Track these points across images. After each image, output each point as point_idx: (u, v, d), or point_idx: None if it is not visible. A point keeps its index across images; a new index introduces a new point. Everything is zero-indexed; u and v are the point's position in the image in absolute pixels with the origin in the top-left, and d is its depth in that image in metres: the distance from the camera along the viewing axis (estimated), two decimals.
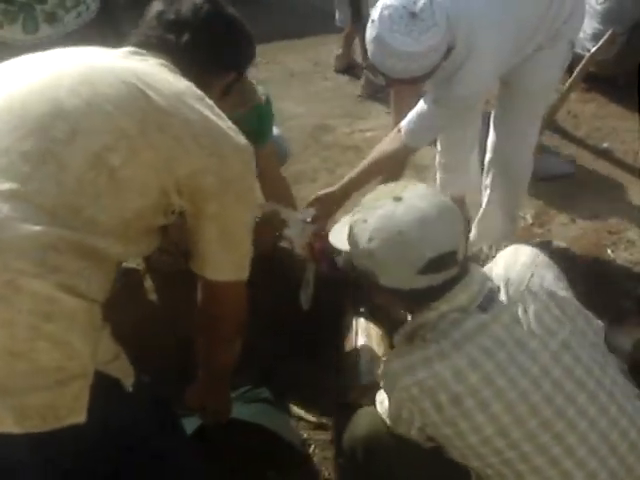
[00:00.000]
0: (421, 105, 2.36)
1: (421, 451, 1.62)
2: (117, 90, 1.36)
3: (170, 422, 1.56)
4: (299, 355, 2.44)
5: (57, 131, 1.29)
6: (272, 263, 2.58)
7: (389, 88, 2.85)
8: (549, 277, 1.58)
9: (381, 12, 2.04)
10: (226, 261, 1.53)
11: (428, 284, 1.47)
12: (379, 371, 1.61)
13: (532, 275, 1.55)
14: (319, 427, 2.28)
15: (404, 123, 2.40)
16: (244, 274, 1.57)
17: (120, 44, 1.56)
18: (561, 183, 3.47)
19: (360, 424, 1.77)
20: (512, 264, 1.59)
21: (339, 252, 2.46)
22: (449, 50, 2.12)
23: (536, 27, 2.34)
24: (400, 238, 1.46)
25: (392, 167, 2.55)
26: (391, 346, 2.23)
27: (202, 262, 1.52)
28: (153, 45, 1.53)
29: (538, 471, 1.46)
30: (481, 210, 2.90)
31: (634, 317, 2.45)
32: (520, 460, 1.45)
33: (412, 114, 2.39)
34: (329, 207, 2.51)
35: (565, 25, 2.43)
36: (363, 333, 2.37)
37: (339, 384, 2.29)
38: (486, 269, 1.60)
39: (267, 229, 2.44)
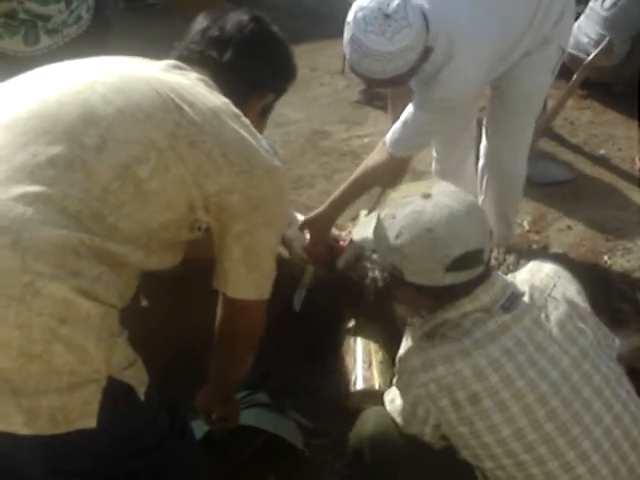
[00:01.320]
0: (405, 114, 2.38)
1: (428, 452, 1.63)
2: (151, 101, 1.35)
3: (179, 428, 1.55)
4: (296, 359, 2.44)
5: (87, 138, 1.28)
6: None
7: (371, 89, 2.83)
8: (571, 289, 1.61)
9: (355, 14, 2.07)
10: (248, 280, 1.51)
11: (454, 281, 1.49)
12: (395, 367, 1.62)
13: (555, 285, 1.58)
14: (316, 432, 2.28)
15: (388, 135, 2.42)
16: (266, 294, 1.56)
17: (110, 53, 1.55)
18: (558, 189, 3.49)
19: (367, 424, 1.78)
20: (536, 272, 1.62)
21: (338, 255, 2.49)
22: (428, 51, 2.14)
23: (522, 33, 2.36)
24: (429, 235, 1.47)
25: (384, 179, 2.55)
26: (389, 352, 2.26)
27: (224, 279, 1.51)
28: (195, 60, 1.53)
29: (551, 476, 1.47)
30: None
31: (632, 323, 2.45)
32: (534, 463, 1.47)
33: (396, 125, 2.41)
34: (321, 229, 2.52)
35: (553, 30, 2.44)
36: (362, 336, 2.37)
37: (337, 389, 2.30)
38: (509, 276, 1.63)
39: None
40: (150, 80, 1.40)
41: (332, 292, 2.51)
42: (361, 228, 1.84)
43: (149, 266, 1.38)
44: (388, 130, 2.48)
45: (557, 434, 1.46)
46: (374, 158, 2.48)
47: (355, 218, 2.82)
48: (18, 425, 1.18)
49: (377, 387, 2.20)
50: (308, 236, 2.50)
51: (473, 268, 1.50)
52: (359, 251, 2.28)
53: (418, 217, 1.49)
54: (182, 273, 2.41)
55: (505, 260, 2.57)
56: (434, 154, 2.98)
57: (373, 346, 2.33)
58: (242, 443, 2.07)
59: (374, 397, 2.12)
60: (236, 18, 1.58)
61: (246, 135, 1.43)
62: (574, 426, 1.46)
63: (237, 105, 1.48)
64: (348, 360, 2.33)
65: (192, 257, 1.66)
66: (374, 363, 2.27)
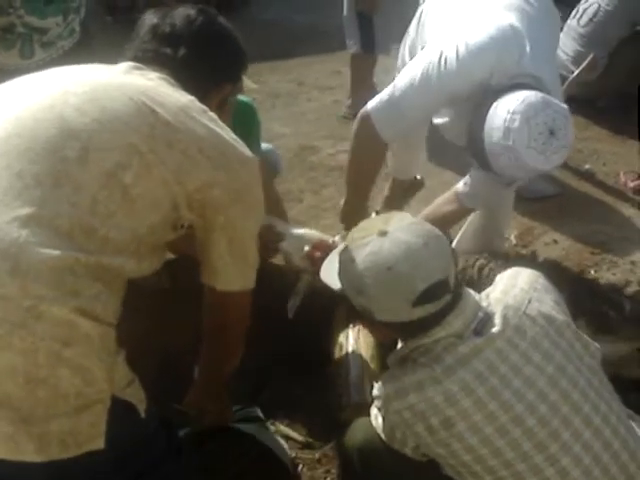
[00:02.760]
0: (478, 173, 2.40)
1: (414, 464, 1.64)
2: (125, 107, 1.37)
3: (176, 446, 1.56)
4: (288, 372, 2.45)
5: (69, 151, 1.29)
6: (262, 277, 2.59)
7: None
8: (548, 301, 1.61)
9: (521, 122, 2.00)
10: (236, 272, 1.55)
11: (422, 314, 1.50)
12: (374, 391, 1.62)
13: (530, 300, 1.58)
14: (307, 446, 2.28)
15: (461, 188, 2.45)
16: (251, 283, 1.60)
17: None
18: (544, 204, 3.51)
19: (356, 434, 1.80)
20: (510, 288, 1.62)
21: None
22: None
23: None
24: (390, 274, 1.49)
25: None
26: (382, 364, 2.26)
27: (213, 273, 1.54)
28: (150, 59, 1.54)
29: None
30: (462, 228, 2.93)
31: (619, 330, 2.49)
32: (514, 479, 1.48)
33: (469, 180, 2.43)
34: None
35: None
36: (352, 348, 2.37)
37: (329, 402, 2.30)
38: (483, 294, 1.62)
39: (261, 242, 2.46)
40: (119, 86, 1.42)
41: (324, 304, 2.52)
42: (327, 266, 1.86)
43: (141, 273, 1.39)
44: None
45: (535, 452, 1.47)
46: (444, 205, 2.57)
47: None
48: (29, 453, 1.18)
49: (369, 400, 2.20)
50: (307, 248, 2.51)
51: (440, 299, 1.51)
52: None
53: (376, 258, 1.51)
54: (168, 286, 2.43)
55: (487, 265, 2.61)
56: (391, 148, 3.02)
57: (366, 360, 2.33)
58: (237, 454, 2.07)
59: (366, 410, 2.13)
60: (184, 13, 1.60)
61: (217, 129, 1.46)
62: (552, 443, 1.48)
63: (199, 100, 1.50)
64: (340, 373, 2.32)
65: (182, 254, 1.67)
66: (366, 377, 2.27)
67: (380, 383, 1.59)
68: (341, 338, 2.43)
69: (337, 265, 1.65)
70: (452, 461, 1.52)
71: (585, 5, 4.21)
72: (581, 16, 4.20)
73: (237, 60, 1.70)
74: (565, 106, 2.08)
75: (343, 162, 3.93)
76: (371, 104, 2.37)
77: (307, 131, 4.35)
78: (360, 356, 2.35)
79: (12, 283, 1.17)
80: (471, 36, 2.17)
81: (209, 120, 1.47)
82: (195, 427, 1.95)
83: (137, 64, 1.52)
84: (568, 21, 4.29)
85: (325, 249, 2.57)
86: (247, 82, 2.54)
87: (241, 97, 2.39)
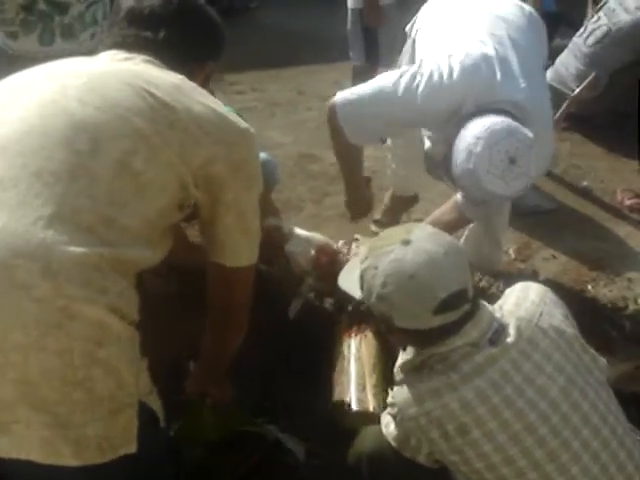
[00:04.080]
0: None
1: (424, 473, 1.66)
2: (124, 92, 1.37)
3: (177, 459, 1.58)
4: (289, 380, 2.45)
5: (80, 144, 1.29)
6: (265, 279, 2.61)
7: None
8: (558, 315, 1.65)
9: (483, 147, 2.07)
10: (244, 247, 1.56)
11: (442, 323, 1.54)
12: (388, 399, 1.64)
13: (541, 313, 1.62)
14: (309, 453, 2.29)
15: (460, 198, 2.49)
16: (255, 257, 1.61)
17: None
18: (542, 219, 3.55)
19: (365, 443, 1.82)
20: (522, 301, 1.66)
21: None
22: None
23: None
24: (412, 282, 1.52)
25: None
26: (384, 373, 2.29)
27: (221, 251, 1.55)
28: (130, 44, 1.54)
29: None
30: (461, 241, 2.97)
31: (619, 349, 2.52)
32: None
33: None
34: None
35: None
36: (354, 358, 2.37)
37: (331, 410, 2.32)
38: (496, 306, 1.66)
39: (269, 243, 2.48)
40: (113, 73, 1.43)
41: (326, 310, 2.55)
42: (346, 274, 1.88)
43: (154, 261, 1.39)
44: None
45: (546, 460, 1.51)
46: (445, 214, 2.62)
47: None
48: (67, 457, 1.18)
49: (371, 409, 2.22)
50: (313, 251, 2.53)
51: (459, 308, 1.55)
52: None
53: (399, 265, 1.54)
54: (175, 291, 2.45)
55: (494, 284, 2.64)
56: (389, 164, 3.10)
57: (367, 368, 2.34)
58: (243, 453, 2.09)
59: (368, 419, 2.15)
60: None
61: (211, 104, 1.47)
62: (563, 453, 1.51)
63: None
64: (342, 381, 2.33)
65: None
66: (368, 385, 2.27)
67: (395, 390, 1.62)
68: (343, 347, 2.43)
69: (356, 273, 1.68)
70: (464, 468, 1.55)
71: (594, 25, 4.24)
72: (588, 36, 4.23)
73: (216, 37, 1.70)
74: (530, 135, 2.11)
75: None
76: (338, 95, 2.41)
77: (307, 140, 4.37)
78: (362, 365, 2.36)
79: (44, 284, 1.17)
80: (445, 65, 2.23)
81: (201, 96, 1.48)
82: (194, 412, 1.96)
83: (119, 50, 1.53)
84: (574, 38, 4.33)
85: (330, 254, 2.61)
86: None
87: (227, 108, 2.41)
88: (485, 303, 1.65)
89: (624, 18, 4.11)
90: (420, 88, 2.23)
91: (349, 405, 2.25)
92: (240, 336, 1.75)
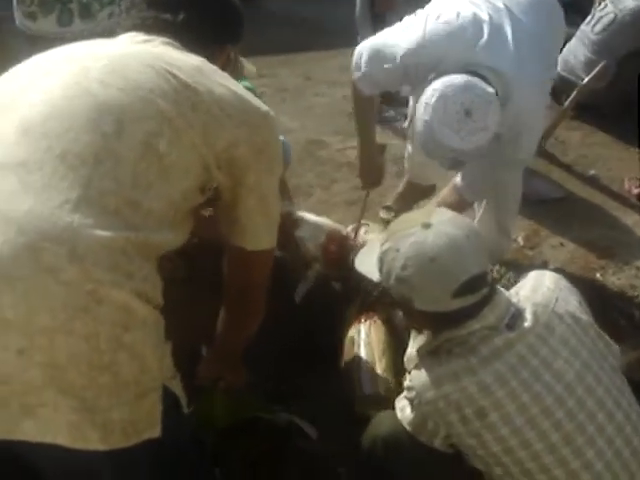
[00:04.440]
0: (479, 169, 2.45)
1: (438, 457, 1.67)
2: (146, 74, 1.35)
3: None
4: (299, 365, 2.46)
5: (105, 126, 1.27)
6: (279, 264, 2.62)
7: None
8: (573, 302, 1.67)
9: (438, 99, 2.05)
10: (264, 230, 1.55)
11: (461, 306, 1.54)
12: (405, 382, 1.65)
13: (557, 299, 1.63)
14: (320, 437, 2.30)
15: (458, 181, 2.51)
16: (275, 241, 1.60)
17: None
18: (550, 207, 3.57)
19: (380, 425, 1.82)
20: (538, 287, 1.67)
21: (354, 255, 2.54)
22: (495, 139, 2.18)
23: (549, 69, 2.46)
24: (433, 264, 1.53)
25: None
26: (394, 358, 2.30)
27: (242, 234, 1.53)
28: (149, 26, 1.52)
29: None
30: None
31: (628, 338, 2.53)
32: (539, 470, 1.53)
33: (470, 175, 2.48)
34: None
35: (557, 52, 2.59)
36: (364, 343, 2.40)
37: (341, 395, 2.33)
38: (512, 292, 1.68)
39: (281, 229, 2.48)
40: (134, 55, 1.41)
41: (336, 295, 2.56)
42: (363, 257, 1.89)
43: (175, 244, 1.38)
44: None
45: (562, 444, 1.52)
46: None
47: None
48: (94, 442, 1.17)
49: (382, 393, 2.24)
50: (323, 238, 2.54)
51: (479, 291, 1.56)
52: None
53: (421, 248, 1.55)
54: (184, 275, 2.45)
55: (505, 275, 2.65)
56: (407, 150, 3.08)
57: (377, 353, 2.36)
58: (254, 439, 2.10)
59: (378, 403, 2.17)
60: None
61: (232, 87, 1.45)
62: (579, 436, 1.52)
63: None
64: (352, 366, 2.36)
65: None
66: (378, 369, 2.30)
67: (413, 373, 1.63)
68: (353, 332, 2.46)
69: (374, 256, 1.69)
70: (481, 452, 1.56)
71: (601, 13, 4.23)
72: (595, 24, 4.22)
73: (234, 20, 1.69)
74: (490, 90, 2.08)
75: (353, 158, 3.98)
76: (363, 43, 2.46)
77: (315, 126, 4.38)
78: (372, 350, 2.38)
79: (71, 268, 1.15)
80: (432, 21, 2.23)
81: (223, 78, 1.46)
82: (207, 398, 1.97)
83: (137, 33, 1.51)
84: (582, 26, 4.32)
85: (339, 241, 2.61)
86: (248, 65, 2.57)
87: (244, 82, 2.37)
88: (501, 289, 1.66)
89: (630, 4, 4.11)
90: (410, 41, 2.24)
91: (360, 389, 2.27)
92: (257, 320, 1.74)
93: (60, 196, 1.19)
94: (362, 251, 1.96)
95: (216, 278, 1.77)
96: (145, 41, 1.47)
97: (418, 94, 2.26)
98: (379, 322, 2.45)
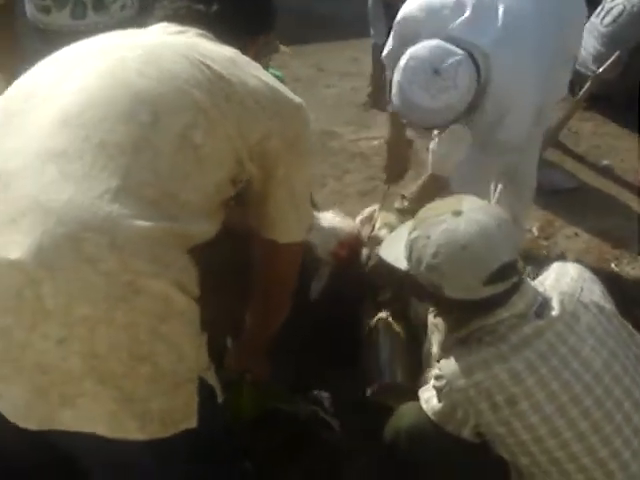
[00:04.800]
0: (468, 158, 2.44)
1: (463, 447, 1.67)
2: (181, 64, 1.35)
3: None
4: (318, 355, 2.47)
5: (142, 115, 1.27)
6: None
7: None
8: (597, 291, 1.68)
9: (407, 61, 2.11)
10: (295, 222, 1.55)
11: (492, 293, 1.56)
12: (434, 371, 1.66)
13: (582, 289, 1.64)
14: (338, 427, 2.31)
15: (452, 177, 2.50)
16: (305, 234, 1.61)
17: None
18: (564, 197, 3.57)
19: (404, 416, 1.83)
20: (562, 277, 1.68)
21: (365, 261, 2.54)
22: (471, 108, 2.19)
23: (554, 66, 2.43)
24: (465, 252, 1.54)
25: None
26: (410, 348, 2.31)
27: (272, 227, 1.53)
28: (182, 17, 1.52)
29: (584, 470, 1.55)
30: None
31: None
32: (568, 459, 1.54)
33: (460, 167, 2.47)
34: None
35: (570, 41, 2.54)
36: (382, 335, 2.40)
37: (360, 385, 2.34)
38: (537, 282, 1.69)
39: None
40: (168, 45, 1.41)
41: (355, 288, 2.56)
42: (388, 246, 1.89)
43: (209, 236, 1.37)
44: None
45: (591, 432, 1.53)
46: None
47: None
48: (133, 432, 1.18)
49: (400, 384, 2.24)
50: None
51: (509, 279, 1.57)
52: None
53: (452, 235, 1.56)
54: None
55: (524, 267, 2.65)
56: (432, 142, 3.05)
57: (396, 343, 2.37)
58: (275, 431, 2.12)
59: (398, 394, 2.18)
60: None
61: (265, 79, 1.45)
62: (607, 424, 1.54)
63: None
64: (371, 356, 2.36)
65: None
66: (397, 358, 2.31)
67: (442, 363, 1.64)
68: (370, 323, 2.45)
69: (399, 245, 1.70)
70: (510, 440, 1.57)
71: (611, 5, 4.21)
72: (605, 16, 4.21)
73: (267, 11, 1.68)
74: (460, 51, 2.10)
75: (365, 149, 4.01)
76: None
77: (327, 117, 4.37)
78: (390, 339, 2.39)
79: (111, 258, 1.15)
80: None
81: (256, 70, 1.46)
82: (234, 390, 1.98)
83: (171, 23, 1.51)
84: (592, 18, 4.30)
85: (352, 247, 2.61)
86: (281, 46, 2.58)
87: (273, 70, 2.41)
88: (527, 278, 1.67)
89: None
90: (402, 14, 2.37)
91: (379, 380, 2.28)
92: (285, 312, 1.75)
93: (100, 186, 1.19)
94: (387, 239, 1.96)
95: (237, 268, 1.78)
96: (178, 32, 1.47)
97: None
98: (397, 313, 2.46)
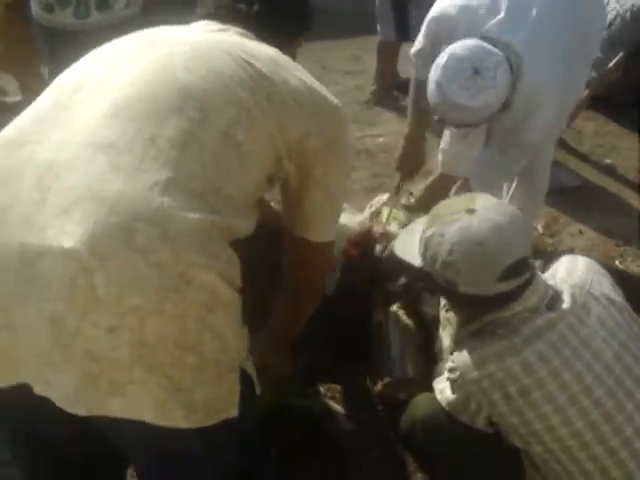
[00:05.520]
0: (485, 159, 2.48)
1: (476, 437, 1.71)
2: (225, 61, 1.36)
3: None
4: (330, 349, 2.49)
5: (190, 111, 1.28)
6: None
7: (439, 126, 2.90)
8: (606, 284, 1.72)
9: (447, 60, 2.12)
10: (329, 222, 1.57)
11: (505, 289, 1.59)
12: (448, 363, 1.69)
13: (592, 281, 1.68)
14: (350, 420, 2.33)
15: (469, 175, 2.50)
16: (334, 234, 1.63)
17: None
18: (568, 196, 3.60)
19: (419, 408, 1.86)
20: (573, 270, 1.72)
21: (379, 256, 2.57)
22: (504, 106, 2.22)
23: (578, 58, 2.46)
24: (479, 249, 1.57)
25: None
26: (420, 343, 2.34)
27: (306, 226, 1.54)
28: (223, 16, 1.53)
29: (595, 459, 1.57)
30: None
31: None
32: (580, 448, 1.57)
33: (476, 166, 2.49)
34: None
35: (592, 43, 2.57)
36: (392, 328, 2.43)
37: (371, 378, 2.37)
38: (547, 275, 1.72)
39: None
40: (213, 42, 1.42)
41: (365, 284, 2.58)
42: (402, 243, 1.91)
43: (248, 233, 1.38)
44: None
45: (602, 421, 1.56)
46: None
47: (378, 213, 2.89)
48: (178, 420, 1.19)
49: (411, 377, 2.27)
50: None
51: (522, 275, 1.61)
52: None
53: (466, 233, 1.59)
54: None
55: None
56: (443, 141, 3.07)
57: (406, 336, 2.39)
58: (289, 427, 2.14)
59: (408, 386, 2.21)
60: None
61: (305, 79, 1.46)
62: (618, 414, 1.57)
63: None
64: (381, 351, 2.39)
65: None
66: (407, 353, 2.33)
67: (455, 355, 1.67)
68: (380, 317, 2.49)
69: (414, 242, 1.73)
70: (523, 430, 1.60)
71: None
72: None
73: (306, 14, 1.71)
74: (498, 52, 2.14)
75: (370, 146, 4.03)
76: None
77: None
78: (400, 334, 2.41)
79: (163, 249, 1.16)
80: None
81: (296, 70, 1.46)
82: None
83: (212, 21, 1.52)
84: None
85: (363, 245, 2.63)
86: None
87: None
88: (539, 272, 1.70)
89: (630, 1, 4.16)
90: (432, 12, 2.39)
91: (389, 374, 2.30)
92: (313, 308, 1.77)
93: (150, 178, 1.20)
94: (401, 236, 1.99)
95: (270, 265, 1.79)
96: (220, 30, 1.50)
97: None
98: (406, 307, 2.49)
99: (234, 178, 1.31)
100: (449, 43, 2.20)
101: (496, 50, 2.13)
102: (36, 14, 2.54)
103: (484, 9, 2.27)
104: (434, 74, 2.16)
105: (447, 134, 3.01)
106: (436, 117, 2.33)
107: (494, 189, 2.58)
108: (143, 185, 1.19)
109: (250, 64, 1.37)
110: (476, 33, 2.21)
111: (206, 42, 1.42)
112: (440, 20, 2.38)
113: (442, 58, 2.14)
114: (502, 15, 2.24)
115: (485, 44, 2.14)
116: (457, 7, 2.31)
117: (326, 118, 1.46)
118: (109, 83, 1.33)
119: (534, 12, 2.27)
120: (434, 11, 2.40)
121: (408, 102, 2.77)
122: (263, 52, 1.44)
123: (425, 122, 2.70)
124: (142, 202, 1.17)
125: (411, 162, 2.81)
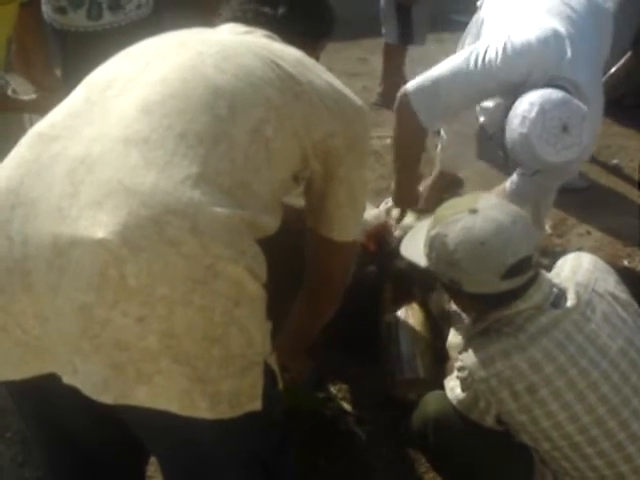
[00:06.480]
0: (527, 180, 2.52)
1: (487, 434, 1.72)
2: (254, 62, 1.39)
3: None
4: (340, 349, 2.50)
5: (220, 109, 1.31)
6: None
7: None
8: (611, 281, 1.73)
9: (537, 113, 2.11)
10: (352, 221, 1.58)
11: (509, 287, 1.60)
12: (457, 363, 1.70)
13: (596, 279, 1.69)
14: (361, 420, 2.34)
15: (508, 187, 2.57)
16: (359, 233, 1.66)
17: None
18: (575, 196, 3.60)
19: (430, 406, 1.88)
20: (577, 268, 1.73)
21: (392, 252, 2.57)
22: None
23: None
24: (483, 248, 1.59)
25: None
26: (430, 342, 2.34)
27: (330, 225, 1.57)
28: (250, 19, 1.57)
29: (603, 455, 1.59)
30: None
31: None
32: (587, 444, 1.58)
33: (515, 179, 2.55)
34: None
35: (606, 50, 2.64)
36: (402, 327, 2.43)
37: (381, 378, 2.37)
38: (553, 273, 1.74)
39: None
40: (242, 43, 1.45)
41: (375, 280, 2.59)
42: (408, 243, 1.93)
43: (274, 229, 1.39)
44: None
45: (608, 417, 1.58)
46: None
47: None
48: (202, 411, 1.20)
49: (421, 376, 2.28)
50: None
51: (526, 273, 1.62)
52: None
53: (470, 233, 1.61)
54: None
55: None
56: (441, 141, 3.10)
57: (416, 336, 2.40)
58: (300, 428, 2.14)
59: (419, 386, 2.21)
60: None
61: (330, 79, 1.49)
62: (623, 409, 1.59)
63: None
64: (391, 351, 2.39)
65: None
66: (417, 353, 2.33)
67: (463, 355, 1.68)
68: (389, 317, 2.49)
69: (419, 242, 1.76)
70: (531, 427, 1.61)
71: None
72: None
73: (329, 17, 1.73)
74: (584, 108, 2.16)
75: (378, 147, 4.04)
76: (410, 83, 2.46)
77: None
78: (409, 333, 2.42)
79: (193, 242, 1.18)
80: (517, 35, 2.29)
81: (322, 71, 1.50)
82: None
83: (238, 24, 1.55)
84: None
85: (379, 238, 2.64)
86: None
87: None
88: (543, 271, 1.71)
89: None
90: (493, 60, 2.28)
91: (399, 373, 2.31)
92: (333, 309, 1.78)
93: (182, 172, 1.22)
94: (406, 238, 2.01)
95: (293, 264, 1.79)
96: (246, 32, 1.53)
97: (497, 107, 2.38)
98: (416, 306, 2.49)
99: (262, 175, 1.33)
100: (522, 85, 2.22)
101: (581, 105, 2.15)
102: (48, 17, 2.56)
103: (552, 47, 2.27)
104: (520, 125, 2.15)
105: (444, 134, 3.02)
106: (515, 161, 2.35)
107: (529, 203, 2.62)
108: (174, 179, 1.21)
109: (278, 65, 1.40)
110: (550, 72, 2.23)
111: (235, 43, 1.45)
112: (512, 63, 2.29)
113: (530, 111, 2.13)
114: (569, 54, 2.26)
115: (570, 96, 2.16)
116: (531, 49, 2.27)
117: (350, 118, 1.49)
118: (140, 80, 1.35)
119: (582, 46, 2.30)
120: (494, 59, 2.29)
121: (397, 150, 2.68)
122: (289, 54, 1.47)
123: (419, 165, 2.70)
124: (173, 196, 1.19)
125: (407, 202, 2.81)
